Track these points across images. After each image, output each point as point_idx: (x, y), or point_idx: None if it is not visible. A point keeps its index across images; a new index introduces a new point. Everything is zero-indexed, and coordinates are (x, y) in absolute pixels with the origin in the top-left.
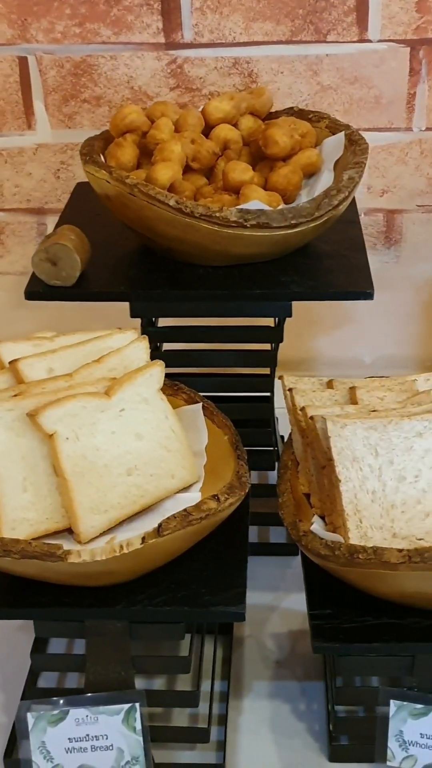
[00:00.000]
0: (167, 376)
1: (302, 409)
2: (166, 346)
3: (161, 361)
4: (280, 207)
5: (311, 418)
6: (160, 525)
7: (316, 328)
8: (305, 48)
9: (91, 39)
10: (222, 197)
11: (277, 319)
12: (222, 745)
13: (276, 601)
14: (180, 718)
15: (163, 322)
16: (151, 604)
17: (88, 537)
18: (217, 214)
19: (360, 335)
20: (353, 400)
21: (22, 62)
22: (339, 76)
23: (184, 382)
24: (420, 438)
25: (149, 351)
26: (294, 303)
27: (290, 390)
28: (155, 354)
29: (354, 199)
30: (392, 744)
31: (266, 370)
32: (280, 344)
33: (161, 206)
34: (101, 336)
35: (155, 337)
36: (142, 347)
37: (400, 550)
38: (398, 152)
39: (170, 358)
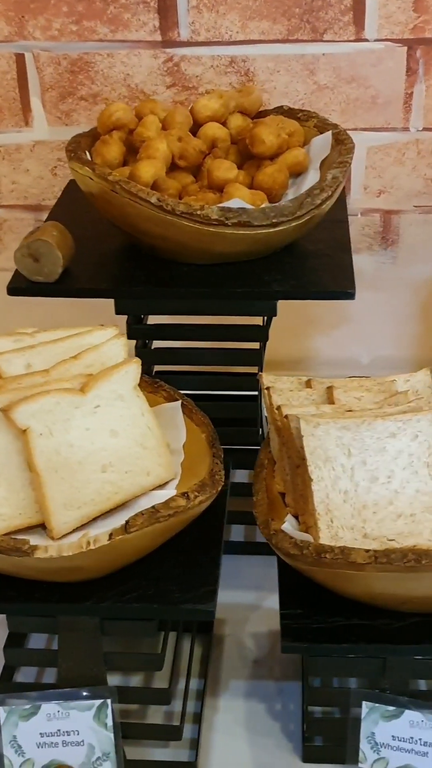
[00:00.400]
0: (157, 373)
1: (278, 408)
2: (157, 344)
3: (138, 359)
4: (262, 206)
5: (286, 417)
6: (127, 522)
7: (313, 328)
8: (302, 47)
9: (88, 37)
10: (206, 195)
11: (265, 318)
12: (195, 743)
13: (258, 601)
14: (156, 715)
15: (154, 320)
16: (121, 601)
17: (61, 533)
18: (198, 212)
19: (357, 335)
20: (330, 400)
21: (20, 59)
22: (335, 75)
23: (173, 379)
24: (393, 439)
25: (128, 348)
26: (291, 302)
27: (267, 389)
28: (144, 351)
29: (344, 198)
30: (364, 746)
31: (254, 369)
32: (278, 343)
33: (143, 203)
34: (81, 332)
35: (141, 334)
36: (120, 344)
37: (367, 551)
38: (395, 152)
39: (159, 356)
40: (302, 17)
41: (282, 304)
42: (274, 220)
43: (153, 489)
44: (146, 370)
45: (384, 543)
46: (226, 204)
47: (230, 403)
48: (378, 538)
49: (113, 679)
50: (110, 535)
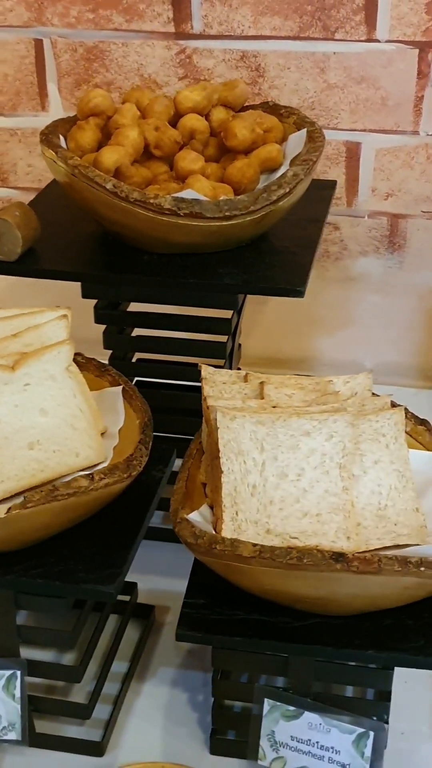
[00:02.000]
0: (139, 360)
1: (205, 398)
2: (139, 331)
3: (70, 341)
4: (219, 199)
5: (208, 408)
6: (25, 497)
7: (317, 328)
8: (313, 45)
9: (104, 25)
10: (169, 185)
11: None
12: (106, 724)
13: None
14: (79, 694)
15: (138, 307)
16: (26, 575)
17: None
18: (151, 201)
19: (361, 339)
20: (261, 396)
21: (38, 45)
22: (346, 75)
23: (143, 366)
24: (307, 437)
25: (70, 330)
26: (294, 301)
27: (202, 379)
28: (118, 337)
29: (329, 197)
30: (264, 743)
31: (221, 362)
32: (281, 343)
33: (99, 189)
34: (33, 312)
35: (109, 320)
36: (62, 325)
37: (255, 545)
38: (404, 156)
39: (129, 343)
40: (314, 15)
41: (286, 303)
42: (227, 213)
43: (81, 470)
44: (122, 357)
45: (286, 540)
46: (179, 194)
47: (186, 393)
48: (281, 534)
49: (46, 655)
50: (8, 509)
